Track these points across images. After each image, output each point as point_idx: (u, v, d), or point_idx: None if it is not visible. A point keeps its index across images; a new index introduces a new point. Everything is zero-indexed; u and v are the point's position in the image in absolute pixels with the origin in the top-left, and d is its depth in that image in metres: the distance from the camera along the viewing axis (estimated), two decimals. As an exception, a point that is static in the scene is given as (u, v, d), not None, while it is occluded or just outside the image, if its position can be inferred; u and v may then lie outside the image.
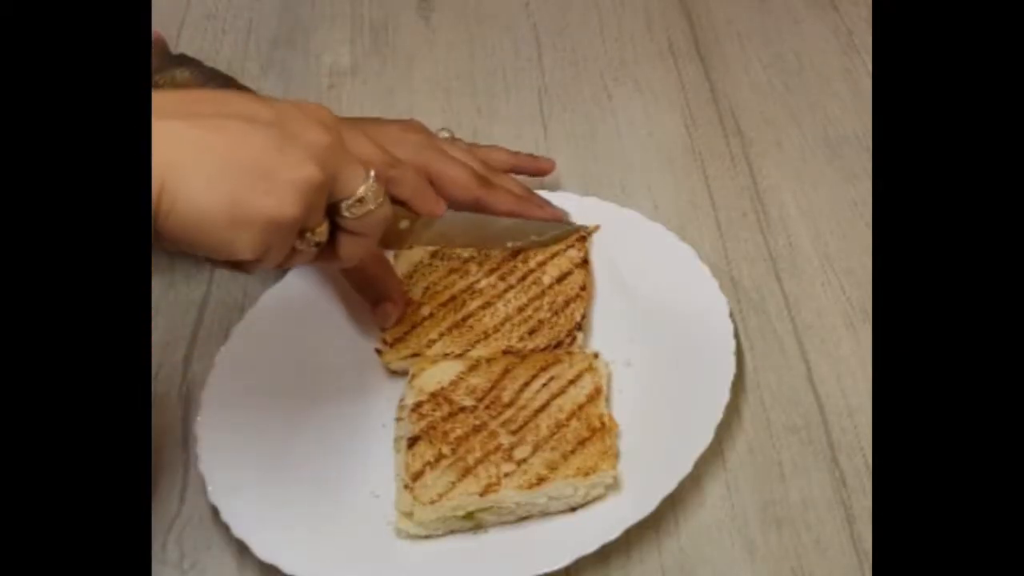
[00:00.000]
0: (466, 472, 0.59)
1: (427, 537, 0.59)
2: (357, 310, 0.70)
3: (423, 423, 0.62)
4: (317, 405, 0.66)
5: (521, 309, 0.68)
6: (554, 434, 0.61)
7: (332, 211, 0.53)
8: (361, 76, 0.91)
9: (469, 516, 0.59)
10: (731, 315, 0.66)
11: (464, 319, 0.68)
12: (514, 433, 0.61)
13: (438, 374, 0.65)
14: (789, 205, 0.76)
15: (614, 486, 0.60)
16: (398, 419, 0.64)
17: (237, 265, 0.52)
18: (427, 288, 0.70)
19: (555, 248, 0.71)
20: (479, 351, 0.66)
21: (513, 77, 0.89)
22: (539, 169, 0.77)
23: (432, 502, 0.58)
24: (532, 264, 0.71)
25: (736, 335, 0.65)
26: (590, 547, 0.57)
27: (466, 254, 0.71)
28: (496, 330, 0.67)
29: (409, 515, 0.59)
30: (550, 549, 0.57)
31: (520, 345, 0.66)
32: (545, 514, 0.59)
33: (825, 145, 0.80)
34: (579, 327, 0.67)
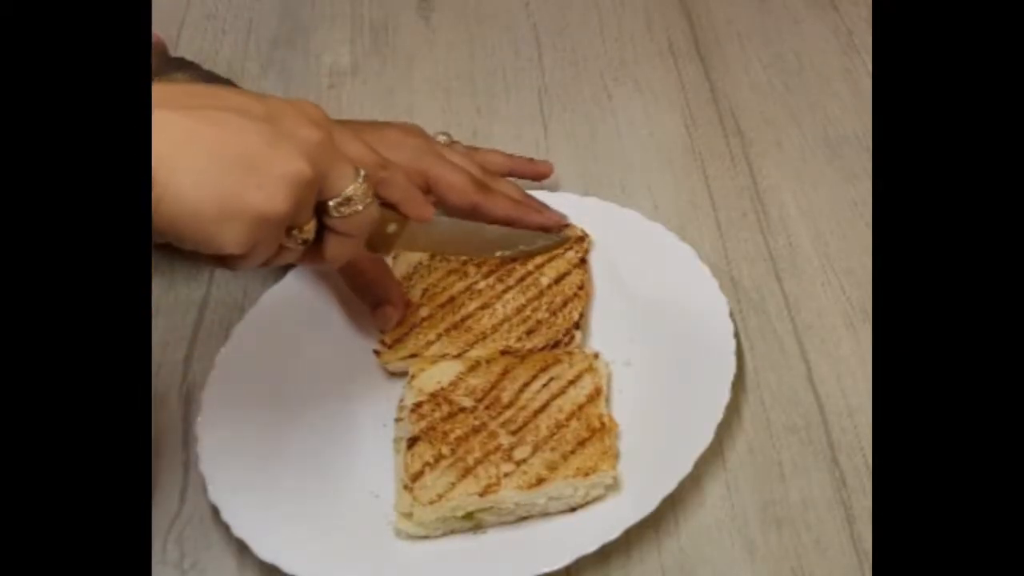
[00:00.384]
0: (466, 472, 0.59)
1: (427, 537, 0.59)
2: (357, 311, 0.70)
3: (423, 424, 0.62)
4: (317, 405, 0.66)
5: (519, 310, 0.68)
6: (554, 434, 0.61)
7: (320, 210, 0.53)
8: (361, 76, 0.91)
9: (469, 516, 0.59)
10: (731, 315, 0.66)
11: (463, 320, 0.68)
12: (514, 433, 0.61)
13: (438, 375, 0.65)
14: (789, 205, 0.76)
15: (614, 486, 0.60)
16: (398, 420, 0.64)
17: (223, 260, 0.51)
18: (426, 290, 0.70)
19: (554, 251, 0.71)
20: (477, 352, 0.66)
21: (513, 77, 0.89)
22: (537, 173, 0.77)
23: (432, 502, 0.58)
24: (530, 266, 0.71)
25: (736, 335, 0.65)
26: (590, 547, 0.57)
27: (463, 256, 0.72)
28: (494, 331, 0.68)
29: (409, 515, 0.59)
30: (550, 549, 0.57)
31: (518, 345, 0.66)
32: (545, 514, 0.59)
33: (825, 145, 0.80)
34: (577, 326, 0.67)
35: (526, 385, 0.64)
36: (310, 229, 0.53)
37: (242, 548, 0.59)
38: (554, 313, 0.68)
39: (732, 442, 0.63)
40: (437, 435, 0.61)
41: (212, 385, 0.66)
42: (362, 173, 0.54)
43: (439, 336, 0.68)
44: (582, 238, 0.72)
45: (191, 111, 0.49)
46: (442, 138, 0.76)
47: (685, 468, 0.59)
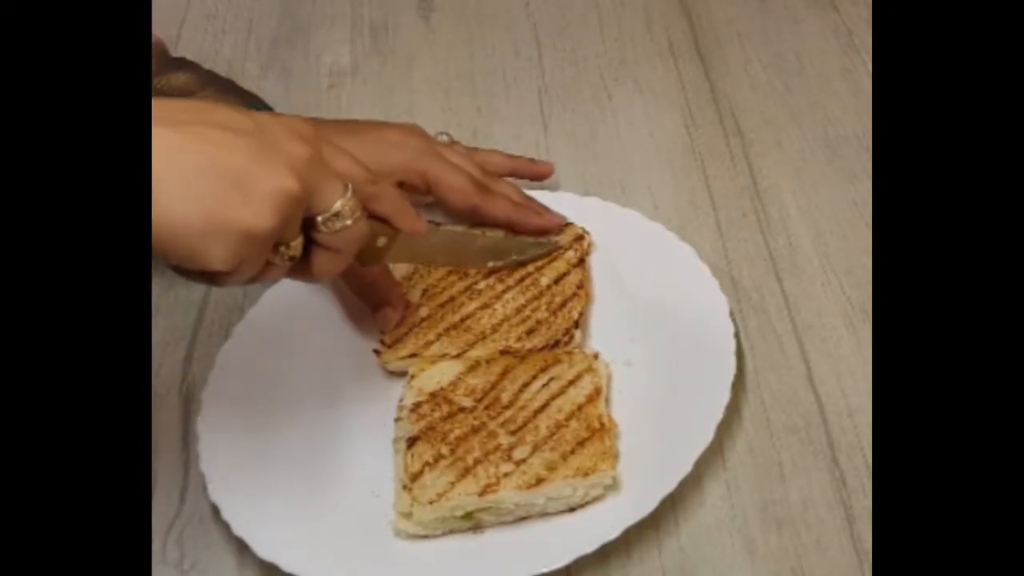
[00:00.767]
0: (465, 472, 0.59)
1: (426, 537, 0.59)
2: (357, 311, 0.70)
3: (422, 423, 0.62)
4: (317, 405, 0.66)
5: (519, 310, 0.68)
6: (553, 434, 0.61)
7: (308, 225, 0.53)
8: (361, 76, 0.91)
9: (468, 516, 0.59)
10: (731, 315, 0.66)
11: (462, 320, 0.68)
12: (513, 433, 0.61)
13: (437, 374, 0.65)
14: (789, 205, 0.76)
15: (613, 486, 0.60)
16: (397, 419, 0.64)
17: (209, 277, 0.51)
18: (425, 290, 0.70)
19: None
20: (477, 352, 0.66)
21: (513, 77, 0.89)
22: (537, 173, 0.77)
23: (431, 502, 0.58)
24: (530, 266, 0.71)
25: (736, 335, 0.65)
26: (589, 547, 0.57)
27: (455, 267, 0.71)
28: (494, 331, 0.68)
29: (408, 515, 0.59)
30: (549, 549, 0.57)
31: (518, 345, 0.66)
32: (544, 514, 0.59)
33: (825, 145, 0.80)
34: (576, 325, 0.67)
35: (526, 385, 0.64)
36: (297, 245, 0.53)
37: (242, 547, 0.59)
38: (554, 313, 0.68)
39: (732, 442, 0.63)
40: (437, 435, 0.61)
41: (212, 384, 0.66)
42: (351, 188, 0.54)
43: (439, 336, 0.68)
44: (581, 237, 0.72)
45: (179, 127, 0.48)
46: (442, 138, 0.76)
47: (685, 468, 0.59)
